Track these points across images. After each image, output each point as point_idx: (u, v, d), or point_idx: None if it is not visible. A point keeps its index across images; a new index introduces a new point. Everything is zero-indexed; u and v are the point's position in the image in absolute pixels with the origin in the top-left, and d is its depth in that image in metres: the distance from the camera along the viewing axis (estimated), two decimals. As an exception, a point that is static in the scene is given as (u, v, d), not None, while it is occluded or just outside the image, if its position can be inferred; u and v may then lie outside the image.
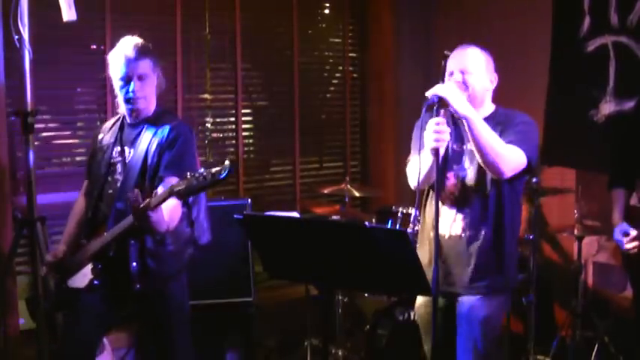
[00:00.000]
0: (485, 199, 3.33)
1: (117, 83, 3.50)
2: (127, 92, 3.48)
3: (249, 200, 4.88)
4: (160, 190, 3.21)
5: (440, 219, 3.24)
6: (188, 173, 3.08)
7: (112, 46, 3.60)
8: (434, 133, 3.07)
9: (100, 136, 3.65)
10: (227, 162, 3.05)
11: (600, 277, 5.29)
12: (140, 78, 3.47)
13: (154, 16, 5.23)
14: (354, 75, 6.35)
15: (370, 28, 6.31)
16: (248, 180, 5.74)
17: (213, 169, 3.04)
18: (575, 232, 4.82)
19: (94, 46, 5.05)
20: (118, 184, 3.48)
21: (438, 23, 6.08)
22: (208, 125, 5.53)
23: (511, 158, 3.22)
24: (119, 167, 3.53)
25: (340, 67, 6.31)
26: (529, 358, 4.78)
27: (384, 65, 6.23)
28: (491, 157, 3.17)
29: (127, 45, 3.48)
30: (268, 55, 5.85)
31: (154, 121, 3.53)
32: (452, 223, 3.39)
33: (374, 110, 6.33)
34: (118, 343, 4.74)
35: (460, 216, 3.37)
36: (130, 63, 3.45)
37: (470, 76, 3.31)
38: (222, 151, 5.65)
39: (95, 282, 3.42)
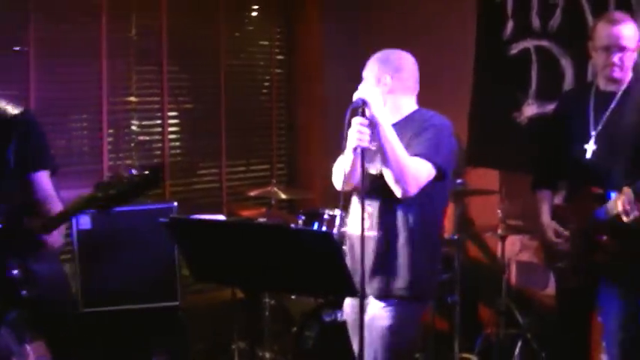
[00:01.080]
0: (396, 203, 3.32)
1: None
2: None
3: (176, 203, 4.83)
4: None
5: (354, 219, 3.29)
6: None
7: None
8: (357, 133, 3.11)
9: None
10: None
11: (523, 275, 5.39)
12: None
13: (78, 16, 5.14)
14: (282, 77, 6.35)
15: (298, 31, 6.32)
16: (174, 183, 5.68)
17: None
18: (499, 231, 4.91)
19: (17, 48, 4.94)
20: None
21: (365, 26, 6.11)
22: (134, 128, 5.47)
23: (415, 174, 3.19)
24: None
25: (268, 70, 6.30)
26: (454, 355, 4.86)
27: (312, 68, 6.25)
28: (395, 170, 3.15)
29: None
30: (195, 57, 5.80)
31: None
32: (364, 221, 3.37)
33: (301, 112, 6.34)
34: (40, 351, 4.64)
35: (370, 214, 3.36)
36: None
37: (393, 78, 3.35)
38: (149, 154, 5.59)
39: None
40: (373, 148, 3.26)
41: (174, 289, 4.71)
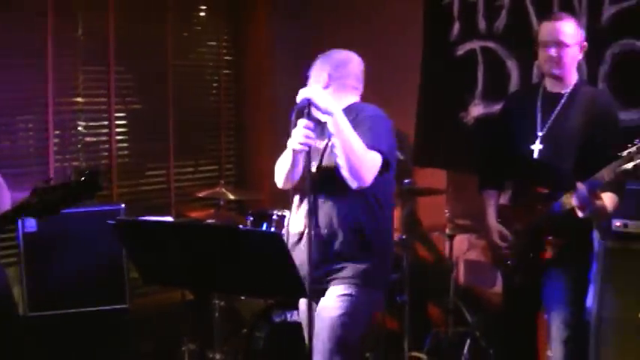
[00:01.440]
0: (343, 197, 3.34)
1: None
2: None
3: (123, 205, 4.80)
4: None
5: (301, 218, 3.31)
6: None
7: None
8: (302, 137, 3.11)
9: None
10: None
11: (471, 273, 5.45)
12: None
13: (24, 15, 5.06)
14: (230, 78, 6.34)
15: (247, 32, 6.31)
16: (122, 185, 5.63)
17: None
18: (447, 231, 4.96)
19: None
20: None
21: (315, 27, 6.12)
22: (81, 129, 5.41)
23: (371, 163, 3.22)
24: None
25: (216, 70, 6.28)
26: (404, 354, 4.89)
27: (261, 68, 6.24)
28: (353, 161, 3.16)
29: None
30: (142, 57, 5.75)
31: None
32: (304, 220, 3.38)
33: (250, 113, 6.33)
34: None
35: (320, 215, 3.38)
36: None
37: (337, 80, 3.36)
38: (95, 155, 5.54)
39: None
40: (320, 146, 3.27)
41: (123, 291, 4.68)
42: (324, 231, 3.35)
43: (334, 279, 3.37)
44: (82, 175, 2.91)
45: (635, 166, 3.22)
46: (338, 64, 3.46)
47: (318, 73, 3.47)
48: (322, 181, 3.34)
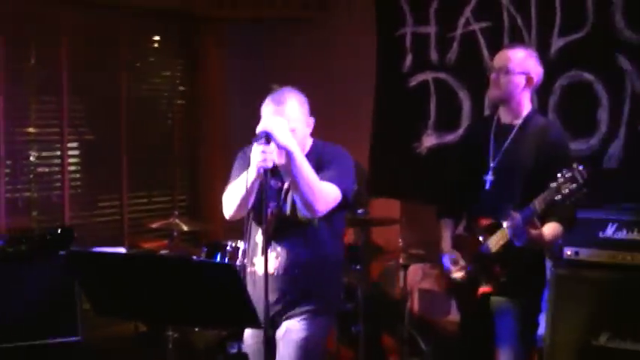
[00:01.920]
0: (304, 235, 3.41)
1: None
2: None
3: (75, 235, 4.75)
4: None
5: (260, 257, 3.34)
6: None
7: None
8: (260, 154, 3.13)
9: None
10: None
11: (425, 303, 5.48)
12: None
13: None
14: (184, 108, 6.33)
15: (199, 62, 6.32)
16: (74, 215, 5.58)
17: None
18: (401, 260, 4.98)
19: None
20: None
21: (268, 59, 6.16)
22: (32, 159, 5.36)
23: (326, 196, 3.29)
24: None
25: (170, 101, 6.27)
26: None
27: (213, 98, 6.25)
28: (307, 194, 3.23)
29: None
30: (96, 87, 5.73)
31: None
32: (273, 260, 3.44)
33: (203, 143, 6.33)
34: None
35: (279, 253, 3.43)
36: None
37: (293, 132, 3.35)
38: (48, 185, 5.48)
39: None
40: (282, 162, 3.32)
41: (75, 323, 4.61)
42: (284, 272, 3.41)
43: (294, 307, 3.42)
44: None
45: (562, 196, 3.29)
46: (302, 113, 3.40)
47: (298, 124, 3.38)
48: (283, 221, 3.40)
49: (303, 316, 3.42)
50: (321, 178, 3.31)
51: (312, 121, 3.46)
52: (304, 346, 3.39)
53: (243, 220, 3.42)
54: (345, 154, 3.49)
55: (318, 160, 3.38)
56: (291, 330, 3.41)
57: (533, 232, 3.47)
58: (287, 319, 3.44)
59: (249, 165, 3.18)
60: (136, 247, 5.37)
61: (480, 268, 3.71)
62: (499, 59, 3.72)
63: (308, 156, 3.37)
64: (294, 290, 3.42)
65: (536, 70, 3.74)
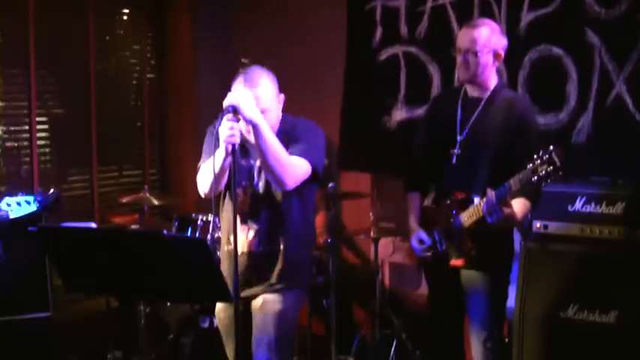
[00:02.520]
0: (277, 211, 3.44)
1: None
2: None
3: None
4: None
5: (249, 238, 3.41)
6: None
7: None
8: (228, 130, 3.13)
9: None
10: None
11: (396, 276, 5.52)
12: None
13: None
14: (153, 82, 6.29)
15: (169, 36, 6.27)
16: (44, 190, 5.52)
17: None
18: (372, 234, 5.00)
19: None
20: None
21: (237, 30, 6.13)
22: (0, 134, 5.30)
23: (295, 170, 3.32)
24: None
25: (140, 74, 6.22)
26: (331, 358, 4.91)
27: (183, 72, 6.21)
28: (276, 167, 3.26)
29: None
30: (64, 60, 5.66)
31: None
32: (246, 239, 3.46)
33: (173, 117, 6.29)
34: None
35: (252, 232, 3.46)
36: None
37: (266, 112, 3.34)
38: (17, 160, 5.43)
39: None
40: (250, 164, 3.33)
41: (45, 299, 4.60)
42: (259, 249, 3.47)
43: (269, 282, 3.48)
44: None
45: (539, 177, 3.31)
46: (273, 91, 3.41)
47: (270, 105, 3.39)
48: (257, 198, 3.45)
49: (278, 290, 3.47)
50: (291, 153, 3.33)
51: (282, 97, 3.46)
52: (281, 317, 3.46)
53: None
54: (316, 128, 3.51)
55: (289, 136, 3.40)
56: (268, 301, 3.47)
57: (507, 210, 3.51)
58: (262, 293, 3.49)
59: (218, 140, 3.18)
60: (107, 221, 5.34)
61: (451, 242, 3.75)
62: (464, 40, 3.72)
63: (279, 132, 3.38)
64: (268, 266, 3.47)
65: (502, 44, 3.76)
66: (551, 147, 3.30)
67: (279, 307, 3.46)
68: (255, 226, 3.47)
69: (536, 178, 3.32)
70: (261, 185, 3.47)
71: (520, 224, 3.91)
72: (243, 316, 3.39)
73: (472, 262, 3.71)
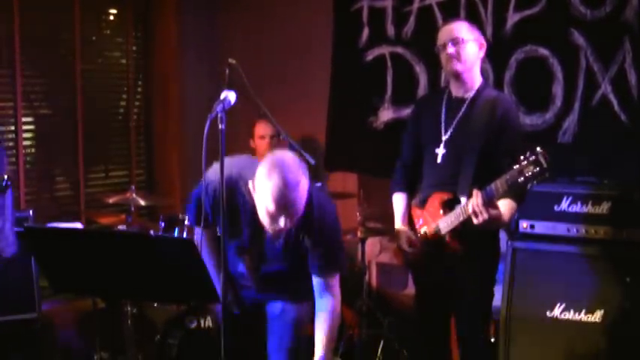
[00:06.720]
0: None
1: None
2: None
3: (31, 212, 4.70)
4: None
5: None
6: None
7: None
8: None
9: None
10: None
11: (383, 276, 5.52)
12: None
13: None
14: (139, 82, 6.27)
15: (155, 34, 6.25)
16: (30, 191, 5.52)
17: None
18: (359, 234, 5.01)
19: None
20: None
21: (223, 30, 6.12)
22: (-14, 134, 5.29)
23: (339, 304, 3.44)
24: None
25: (125, 73, 6.21)
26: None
27: (169, 71, 6.19)
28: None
29: None
30: (50, 61, 5.64)
31: None
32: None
33: (159, 117, 6.27)
34: None
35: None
36: None
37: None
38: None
39: None
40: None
41: (32, 300, 4.58)
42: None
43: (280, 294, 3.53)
44: None
45: (525, 178, 3.33)
46: (301, 204, 3.17)
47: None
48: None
49: (291, 299, 3.52)
50: (319, 265, 3.35)
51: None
52: (300, 324, 3.51)
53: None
54: (336, 225, 3.43)
55: (309, 228, 3.30)
56: (288, 310, 3.50)
57: (493, 212, 3.52)
58: (277, 300, 3.54)
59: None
60: (93, 222, 5.33)
61: (437, 241, 3.76)
62: (446, 34, 3.75)
63: (299, 224, 3.25)
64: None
65: (481, 37, 3.80)
66: (538, 148, 3.31)
67: (296, 314, 3.50)
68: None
69: (522, 179, 3.33)
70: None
71: (507, 225, 3.93)
72: (251, 315, 3.49)
73: (458, 261, 3.72)
